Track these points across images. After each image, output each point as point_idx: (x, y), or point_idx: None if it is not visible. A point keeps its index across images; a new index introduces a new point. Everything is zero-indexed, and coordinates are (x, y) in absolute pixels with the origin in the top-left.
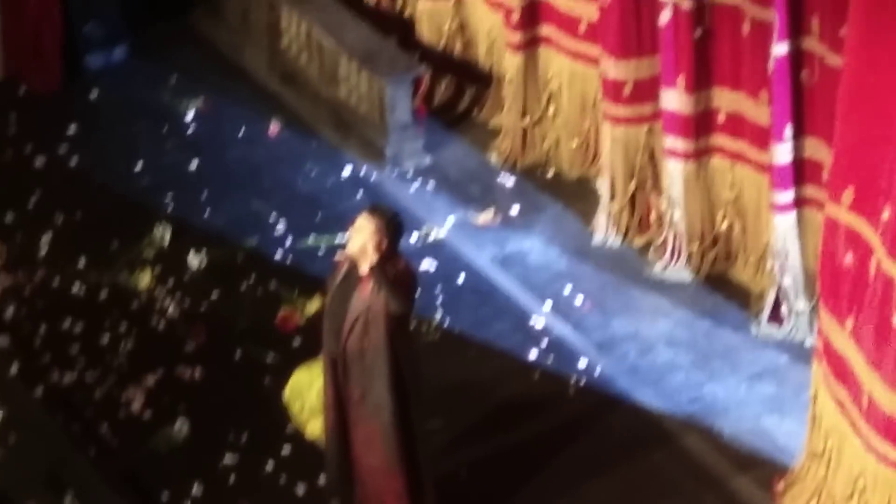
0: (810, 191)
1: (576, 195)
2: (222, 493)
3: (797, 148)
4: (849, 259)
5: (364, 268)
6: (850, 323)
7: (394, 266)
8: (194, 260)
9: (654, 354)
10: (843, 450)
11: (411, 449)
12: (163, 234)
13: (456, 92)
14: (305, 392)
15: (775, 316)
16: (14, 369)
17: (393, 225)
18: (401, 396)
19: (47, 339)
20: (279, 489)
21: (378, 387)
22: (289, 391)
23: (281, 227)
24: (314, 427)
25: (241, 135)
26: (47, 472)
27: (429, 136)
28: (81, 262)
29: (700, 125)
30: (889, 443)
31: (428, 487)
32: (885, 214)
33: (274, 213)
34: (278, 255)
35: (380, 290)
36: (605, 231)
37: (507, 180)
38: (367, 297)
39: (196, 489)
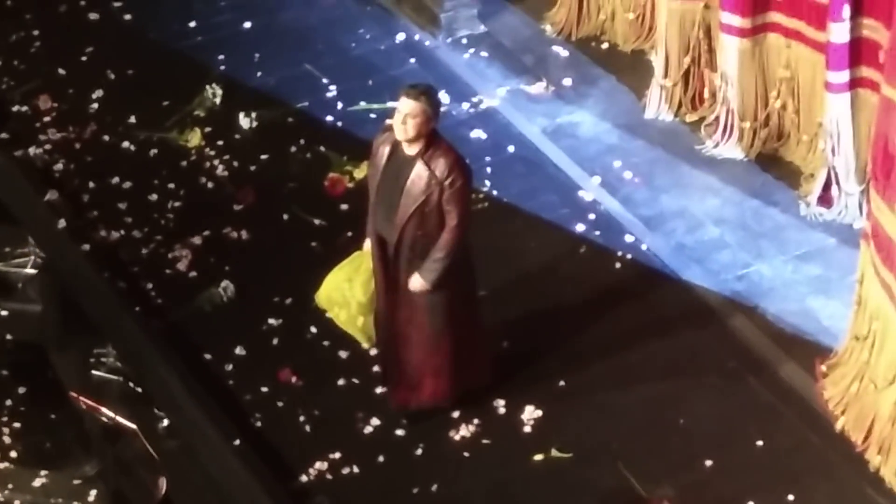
0: (866, 72)
1: (629, 68)
2: (265, 355)
3: (854, 28)
4: None
5: (411, 151)
6: None
7: (443, 155)
8: (244, 121)
9: (701, 232)
10: (888, 334)
11: (458, 323)
12: (214, 93)
13: None
14: (347, 293)
15: (825, 197)
16: (62, 224)
17: (436, 101)
18: (455, 280)
19: (95, 196)
20: (321, 353)
21: None
22: (325, 300)
23: (332, 90)
24: (367, 324)
25: None
26: (92, 328)
27: (483, 4)
28: (132, 119)
29: (757, 2)
30: None
31: (483, 355)
32: None
33: (325, 77)
34: (329, 119)
35: (434, 184)
36: (657, 106)
37: (561, 51)
38: (421, 188)
39: (239, 350)
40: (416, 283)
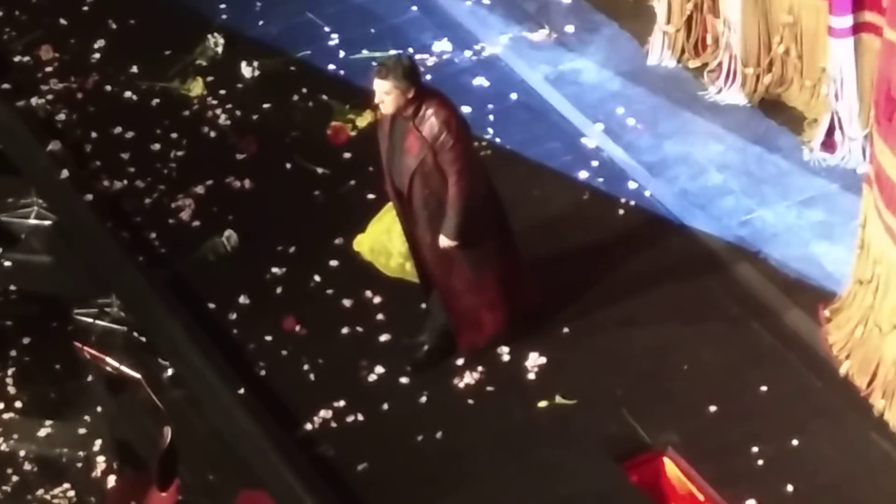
0: (869, 16)
1: (631, 15)
2: (268, 304)
3: None
4: None
5: (405, 114)
6: None
7: (433, 115)
8: (246, 70)
9: (704, 178)
10: (892, 277)
11: (496, 258)
12: (216, 42)
13: None
14: (388, 244)
15: (828, 142)
16: (64, 175)
17: (406, 71)
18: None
19: (98, 146)
20: (325, 302)
21: None
22: (369, 252)
23: (334, 39)
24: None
25: None
26: (95, 277)
27: None
28: (134, 69)
29: None
30: None
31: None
32: None
33: (327, 26)
34: (331, 68)
35: (426, 147)
36: (659, 52)
37: None
38: (416, 151)
39: (242, 299)
40: (444, 242)
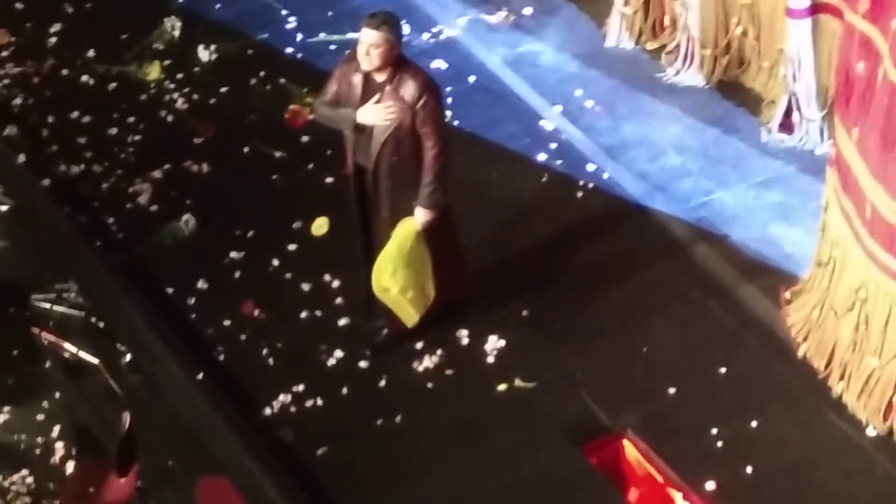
0: None
1: None
2: (227, 288)
3: None
4: (860, 68)
5: (380, 78)
6: (856, 133)
7: (412, 78)
8: (203, 53)
9: (663, 160)
10: (847, 260)
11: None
12: (173, 26)
13: None
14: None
15: (786, 124)
16: (21, 159)
17: (398, 27)
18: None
19: (55, 130)
20: (284, 286)
21: (410, 202)
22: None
23: (292, 22)
24: (415, 298)
25: None
26: (54, 263)
27: None
28: (90, 53)
29: None
30: (891, 254)
31: (462, 269)
32: (895, 24)
33: (285, 9)
34: (288, 51)
35: (404, 108)
36: (617, 34)
37: None
38: (393, 114)
39: (201, 284)
40: (423, 215)
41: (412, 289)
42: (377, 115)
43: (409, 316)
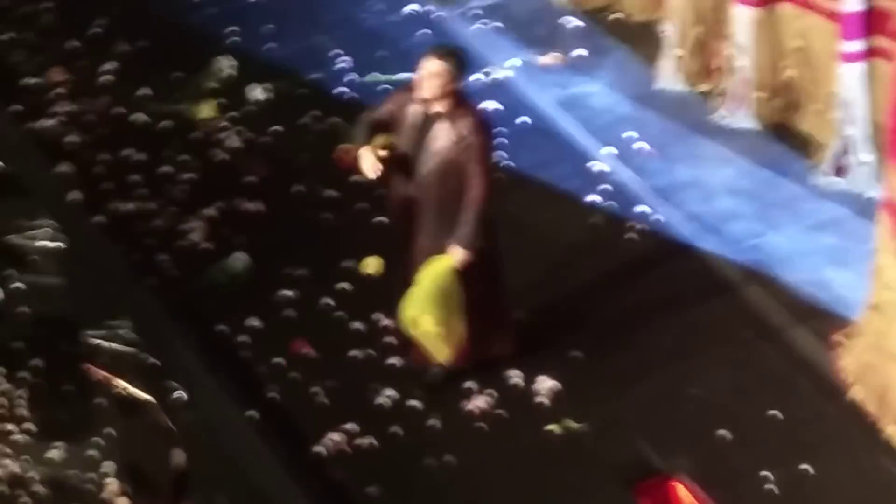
0: (879, 41)
1: (641, 39)
2: (279, 326)
3: None
4: None
5: (437, 110)
6: None
7: (468, 111)
8: (256, 93)
9: (715, 202)
10: None
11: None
12: (225, 65)
13: None
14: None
15: (838, 167)
16: (75, 197)
17: (463, 61)
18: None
19: (109, 168)
20: (336, 324)
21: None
22: (409, 322)
23: (343, 62)
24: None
25: None
26: (107, 300)
27: None
28: (144, 92)
29: None
30: None
31: (507, 322)
32: None
33: (338, 48)
34: (340, 90)
35: (456, 142)
36: (669, 76)
37: (572, 22)
38: (444, 145)
39: (253, 321)
40: (457, 253)
41: (443, 325)
42: (367, 164)
43: (441, 352)
